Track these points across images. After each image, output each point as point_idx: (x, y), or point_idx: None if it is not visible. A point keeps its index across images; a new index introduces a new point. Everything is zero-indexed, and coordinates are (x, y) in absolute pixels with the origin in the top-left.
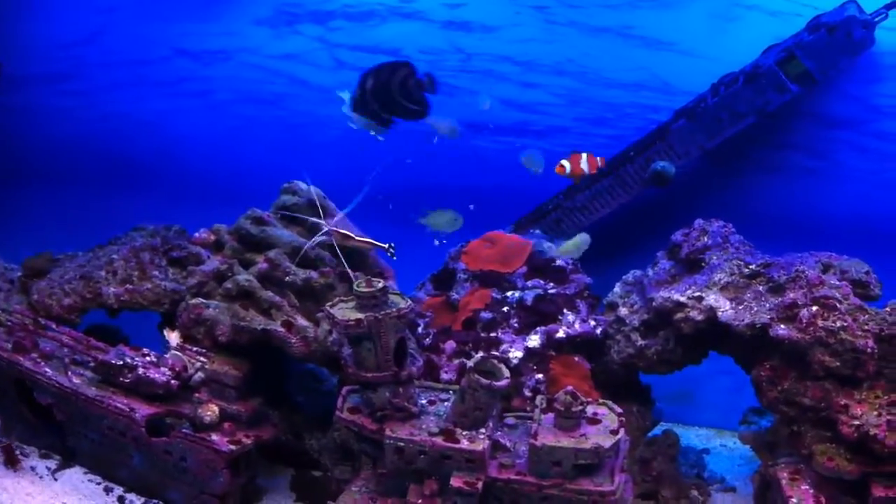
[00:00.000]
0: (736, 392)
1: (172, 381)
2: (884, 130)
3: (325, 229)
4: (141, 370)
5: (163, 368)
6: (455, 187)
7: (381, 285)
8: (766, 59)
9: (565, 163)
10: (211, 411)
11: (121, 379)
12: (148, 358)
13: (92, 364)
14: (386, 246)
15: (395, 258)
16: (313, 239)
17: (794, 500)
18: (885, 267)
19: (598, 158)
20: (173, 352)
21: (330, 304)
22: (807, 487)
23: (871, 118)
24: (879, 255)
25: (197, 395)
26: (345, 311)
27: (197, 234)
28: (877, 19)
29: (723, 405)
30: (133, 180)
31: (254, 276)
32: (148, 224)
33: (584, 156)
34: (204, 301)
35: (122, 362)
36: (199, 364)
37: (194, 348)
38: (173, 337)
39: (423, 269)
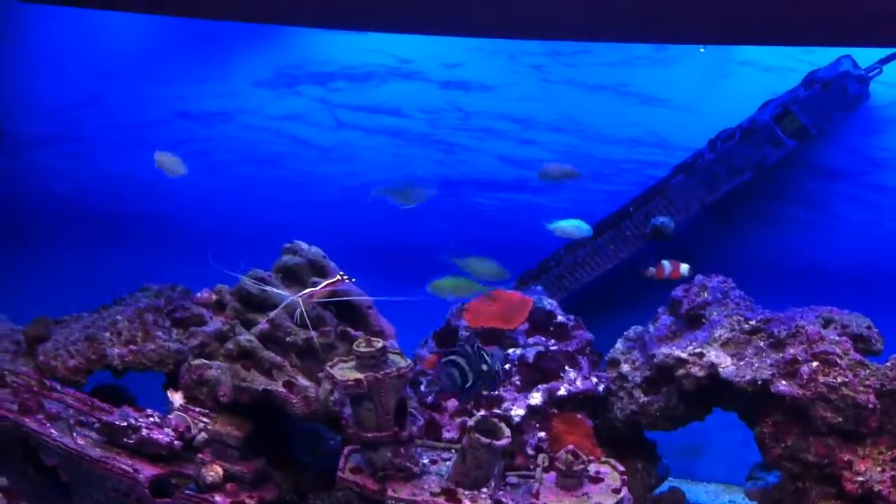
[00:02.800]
0: (744, 446)
1: (176, 442)
2: (880, 183)
3: (290, 298)
4: (145, 431)
5: (166, 429)
6: (458, 245)
7: (380, 345)
8: (763, 115)
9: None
10: (214, 472)
11: (125, 440)
12: (152, 419)
13: (96, 425)
14: (342, 277)
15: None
16: (282, 304)
17: None
18: (886, 320)
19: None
20: (177, 412)
21: (330, 364)
22: None
23: (868, 171)
24: (879, 307)
25: (200, 455)
26: (345, 371)
27: (199, 295)
28: (871, 74)
29: (731, 460)
30: (134, 240)
31: (255, 337)
32: (153, 284)
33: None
34: (206, 362)
35: (125, 423)
36: (201, 425)
37: (197, 409)
38: (177, 397)
39: (425, 327)
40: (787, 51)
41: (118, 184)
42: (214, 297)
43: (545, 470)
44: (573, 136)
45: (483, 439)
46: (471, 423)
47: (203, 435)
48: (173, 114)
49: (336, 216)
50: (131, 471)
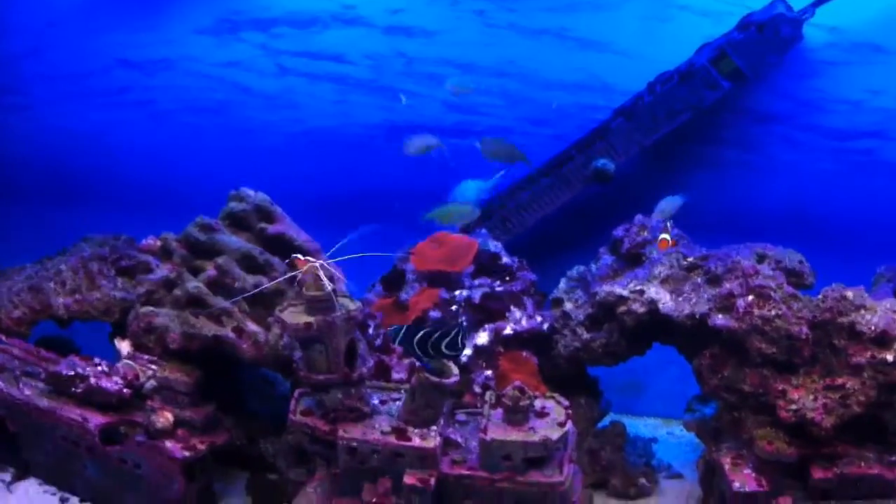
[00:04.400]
0: (682, 381)
1: (125, 390)
2: (813, 123)
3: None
4: (93, 380)
5: (115, 378)
6: (399, 190)
7: (329, 288)
8: (700, 58)
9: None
10: (164, 418)
11: (73, 389)
12: (99, 367)
13: (43, 375)
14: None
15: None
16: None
17: (736, 483)
18: (817, 256)
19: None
20: (125, 361)
21: (280, 308)
22: (748, 471)
23: (801, 112)
24: (812, 244)
25: (149, 402)
26: (295, 315)
27: (144, 242)
28: (804, 16)
29: (670, 395)
30: (78, 192)
31: (203, 283)
32: (96, 234)
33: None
34: (154, 309)
35: (73, 373)
36: (150, 372)
37: (145, 357)
38: (124, 346)
39: (373, 270)
40: None
41: (60, 136)
42: (160, 243)
43: (492, 406)
44: (515, 81)
45: (432, 378)
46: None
47: (152, 382)
48: (114, 62)
49: (280, 163)
50: (80, 420)
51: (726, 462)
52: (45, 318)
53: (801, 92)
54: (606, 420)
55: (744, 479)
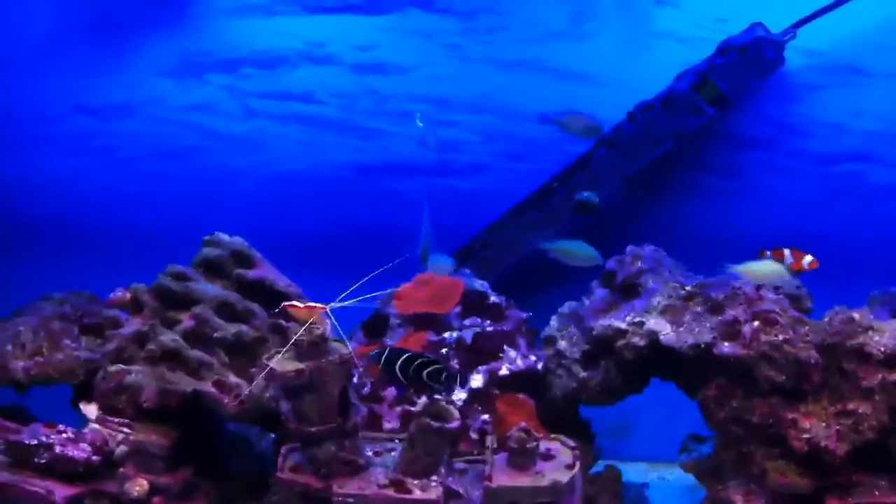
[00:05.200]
0: (668, 422)
1: (93, 457)
2: (796, 148)
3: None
4: (58, 448)
5: (82, 444)
6: (373, 230)
7: (320, 331)
8: (681, 84)
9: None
10: (139, 486)
11: (36, 459)
12: (65, 435)
13: (2, 446)
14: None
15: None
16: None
17: None
18: (805, 282)
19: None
20: (92, 425)
21: (266, 356)
22: None
23: (784, 137)
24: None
25: (122, 469)
26: (283, 363)
27: (112, 295)
28: (785, 38)
29: (656, 438)
30: (33, 245)
31: (180, 336)
32: (55, 292)
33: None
34: (125, 367)
35: (36, 441)
36: (121, 436)
37: (115, 419)
38: (91, 409)
39: (351, 317)
40: (701, 21)
41: (14, 185)
42: (129, 295)
43: (495, 451)
44: (492, 116)
45: (433, 423)
46: (419, 407)
47: (122, 447)
48: (71, 108)
49: (249, 208)
50: (44, 492)
51: (737, 499)
52: (3, 386)
53: (783, 116)
54: (600, 465)
55: None
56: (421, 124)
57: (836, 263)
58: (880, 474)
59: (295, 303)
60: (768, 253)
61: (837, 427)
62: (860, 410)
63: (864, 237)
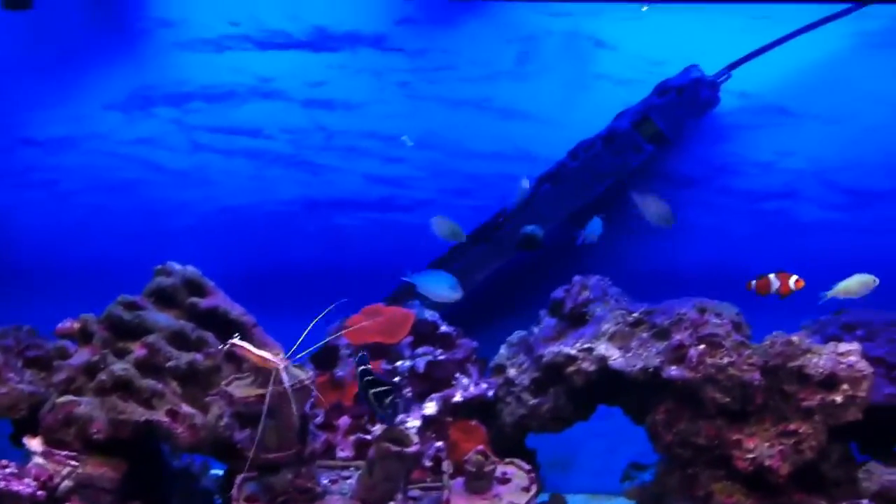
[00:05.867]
0: (609, 454)
1: (39, 492)
2: (727, 186)
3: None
4: (1, 483)
5: (26, 479)
6: (321, 265)
7: (280, 356)
8: (621, 123)
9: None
10: None
11: None
12: (8, 469)
13: None
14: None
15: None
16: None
17: None
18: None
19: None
20: (37, 459)
21: (224, 382)
22: None
23: (715, 175)
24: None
25: None
26: (242, 389)
27: (61, 325)
28: (721, 79)
29: (596, 469)
30: None
31: (131, 365)
32: None
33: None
34: (74, 398)
35: None
36: (67, 470)
37: (63, 453)
38: (35, 443)
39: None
40: (639, 63)
41: None
42: (78, 325)
43: (451, 476)
44: (438, 152)
45: (393, 448)
46: (377, 433)
47: (67, 482)
48: (16, 140)
49: (195, 242)
50: None
51: None
52: None
53: (715, 156)
54: (545, 495)
55: None
56: (409, 143)
57: (766, 297)
58: (817, 494)
59: (248, 346)
60: (754, 283)
61: (780, 447)
62: (801, 430)
63: (792, 271)
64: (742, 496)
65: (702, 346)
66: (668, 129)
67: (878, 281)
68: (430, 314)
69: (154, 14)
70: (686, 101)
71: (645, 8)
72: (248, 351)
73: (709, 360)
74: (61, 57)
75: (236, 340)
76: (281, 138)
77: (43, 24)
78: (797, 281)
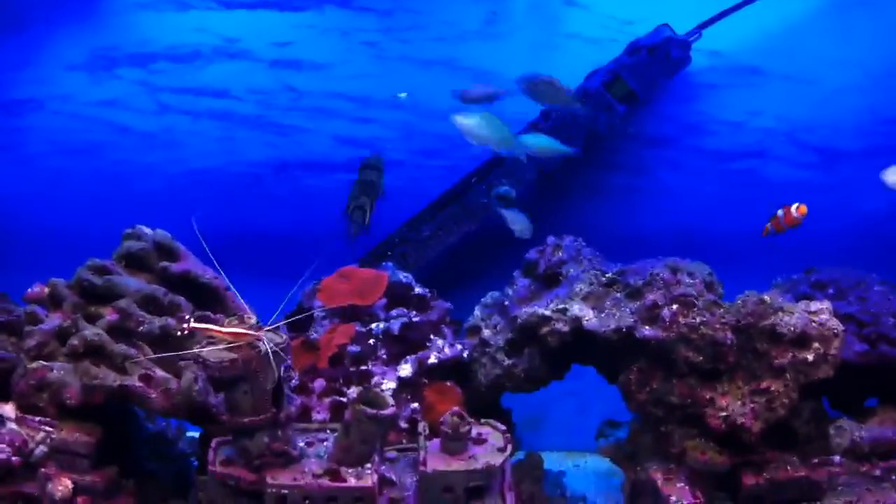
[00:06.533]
0: (580, 414)
1: (13, 458)
2: (697, 146)
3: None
4: None
5: (1, 446)
6: (290, 227)
7: (254, 321)
8: (592, 82)
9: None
10: (63, 486)
11: None
12: None
13: None
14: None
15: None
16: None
17: (673, 498)
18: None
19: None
20: (10, 425)
21: (198, 346)
22: (682, 485)
23: (685, 135)
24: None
25: (43, 470)
26: (216, 353)
27: (30, 290)
28: (692, 38)
29: (570, 428)
30: None
31: (103, 330)
32: None
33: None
34: (46, 363)
35: None
36: (41, 435)
37: (37, 418)
38: (7, 409)
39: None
40: (609, 22)
41: None
42: (47, 290)
43: (427, 438)
44: (409, 113)
45: (369, 410)
46: (353, 395)
47: (42, 448)
48: None
49: (162, 206)
50: None
51: (658, 478)
52: None
53: (685, 115)
54: (520, 454)
55: (679, 493)
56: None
57: (736, 256)
58: (790, 451)
59: (212, 327)
60: (768, 226)
61: (752, 405)
62: (773, 388)
63: (762, 229)
64: (715, 453)
65: (675, 306)
66: (640, 88)
67: None
68: (403, 276)
69: None
70: (658, 60)
71: None
72: (215, 331)
73: (682, 320)
74: (21, 18)
75: (194, 323)
76: (248, 99)
77: None
78: (799, 207)
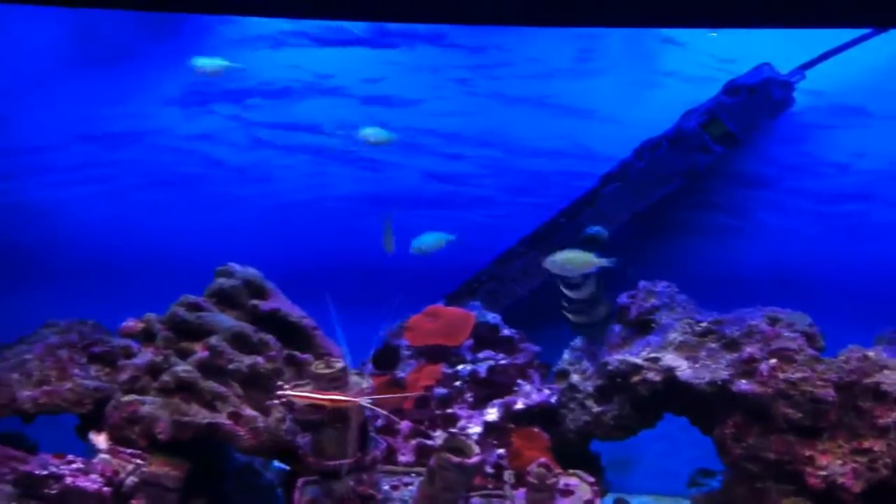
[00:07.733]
0: (671, 456)
1: (105, 489)
2: (799, 187)
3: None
4: (69, 479)
5: (93, 475)
6: (383, 264)
7: (340, 365)
8: (688, 122)
9: None
10: None
11: (45, 490)
12: (75, 465)
13: (10, 477)
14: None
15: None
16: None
17: None
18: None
19: None
20: (102, 456)
21: (286, 388)
22: None
23: (787, 176)
24: (801, 310)
25: (133, 502)
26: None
27: (125, 324)
28: (794, 79)
29: (659, 471)
30: (31, 274)
31: (193, 367)
32: (59, 320)
33: None
34: (138, 397)
35: (46, 472)
36: (131, 467)
37: (128, 450)
38: (101, 440)
39: (360, 348)
40: (708, 61)
41: (14, 212)
42: (142, 325)
43: (514, 487)
44: (498, 150)
45: (453, 458)
46: (438, 442)
47: (132, 479)
48: (75, 136)
49: (254, 238)
50: None
51: None
52: (9, 415)
53: (787, 156)
54: (609, 499)
55: None
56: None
57: (839, 302)
58: None
59: (307, 395)
60: None
61: (853, 465)
62: (875, 448)
63: (867, 276)
64: None
65: (773, 361)
66: (738, 129)
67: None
68: (491, 317)
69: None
70: (758, 101)
71: (713, 34)
72: (313, 398)
73: (780, 375)
74: (120, 54)
75: (289, 391)
76: (339, 134)
77: (96, 22)
78: None
